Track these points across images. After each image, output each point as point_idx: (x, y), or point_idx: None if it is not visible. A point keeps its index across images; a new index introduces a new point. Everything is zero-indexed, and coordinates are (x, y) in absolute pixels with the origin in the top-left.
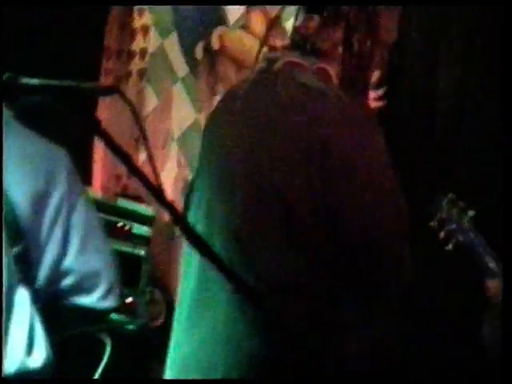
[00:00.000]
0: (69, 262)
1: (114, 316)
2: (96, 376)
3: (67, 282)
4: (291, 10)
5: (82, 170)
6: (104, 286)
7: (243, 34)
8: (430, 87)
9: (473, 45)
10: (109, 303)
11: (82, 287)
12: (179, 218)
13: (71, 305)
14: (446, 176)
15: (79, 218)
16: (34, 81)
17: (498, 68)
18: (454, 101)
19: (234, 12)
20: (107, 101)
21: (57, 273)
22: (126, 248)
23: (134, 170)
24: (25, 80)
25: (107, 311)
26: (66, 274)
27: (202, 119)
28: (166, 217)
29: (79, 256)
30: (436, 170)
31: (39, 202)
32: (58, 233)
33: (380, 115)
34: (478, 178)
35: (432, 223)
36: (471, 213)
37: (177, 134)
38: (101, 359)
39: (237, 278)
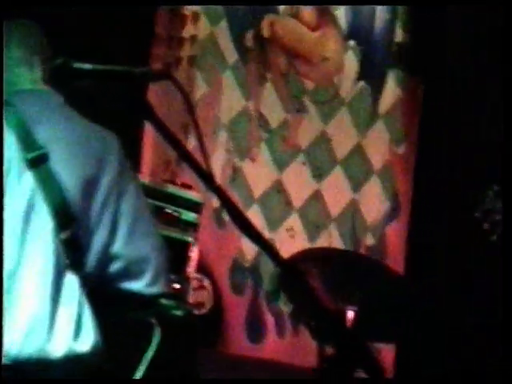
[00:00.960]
0: (117, 247)
1: (162, 301)
2: (145, 360)
3: (115, 267)
4: None
5: (132, 156)
6: (152, 271)
7: (293, 22)
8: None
9: None
10: (156, 289)
11: (130, 272)
12: (228, 204)
13: (119, 290)
14: (491, 169)
15: (128, 204)
16: (86, 65)
17: None
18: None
19: None
20: (156, 87)
21: (105, 258)
22: (174, 234)
23: (185, 155)
24: (77, 65)
25: (155, 297)
26: (114, 259)
27: (251, 107)
28: (215, 203)
29: (127, 242)
30: (482, 163)
31: (89, 187)
32: (107, 218)
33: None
34: None
35: (477, 214)
36: None
37: (226, 121)
38: (150, 343)
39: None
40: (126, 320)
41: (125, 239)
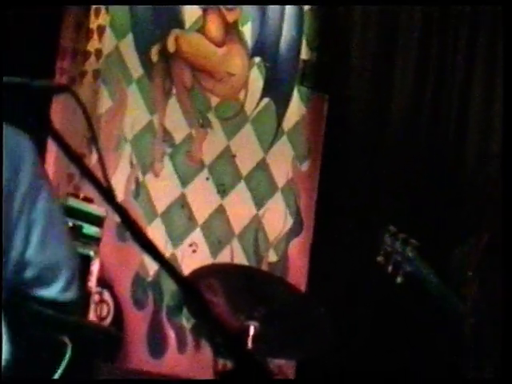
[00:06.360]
0: (30, 254)
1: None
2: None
3: (29, 274)
4: (248, 13)
5: None
6: (65, 278)
7: (199, 37)
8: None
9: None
10: (69, 295)
11: (43, 279)
12: (128, 220)
13: (33, 297)
14: (385, 210)
15: (41, 209)
16: None
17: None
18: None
19: (190, 15)
20: (61, 100)
21: (19, 267)
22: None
23: (85, 171)
24: None
25: (68, 304)
26: (27, 266)
27: (156, 121)
28: (116, 218)
29: (40, 249)
30: (375, 206)
31: (7, 194)
32: (21, 226)
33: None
34: (414, 209)
35: (379, 258)
36: (414, 242)
37: (130, 135)
38: (61, 360)
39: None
40: (40, 336)
41: (37, 246)
